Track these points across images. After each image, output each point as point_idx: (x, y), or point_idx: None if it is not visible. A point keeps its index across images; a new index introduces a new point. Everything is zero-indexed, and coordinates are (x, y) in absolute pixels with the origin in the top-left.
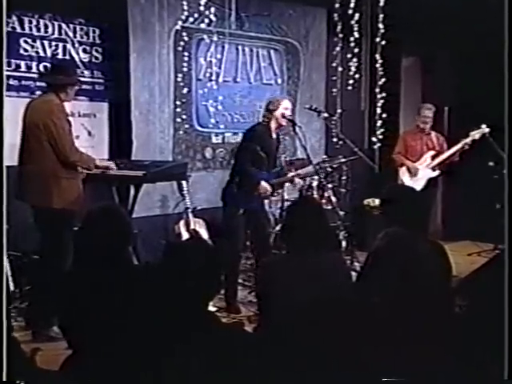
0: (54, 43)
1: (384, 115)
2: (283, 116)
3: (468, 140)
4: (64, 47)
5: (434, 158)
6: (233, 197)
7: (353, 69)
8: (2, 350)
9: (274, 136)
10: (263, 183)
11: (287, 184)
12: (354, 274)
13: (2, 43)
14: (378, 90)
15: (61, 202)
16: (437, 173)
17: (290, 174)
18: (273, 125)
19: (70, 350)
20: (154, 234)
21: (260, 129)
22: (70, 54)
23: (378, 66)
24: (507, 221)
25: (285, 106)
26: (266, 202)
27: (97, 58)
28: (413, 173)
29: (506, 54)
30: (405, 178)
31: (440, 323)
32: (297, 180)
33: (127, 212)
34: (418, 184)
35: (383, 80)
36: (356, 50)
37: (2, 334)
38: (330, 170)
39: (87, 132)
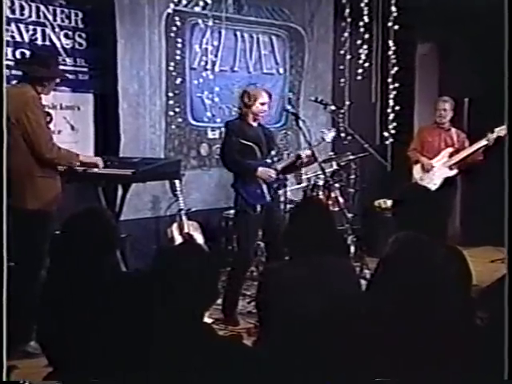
0: (31, 27)
1: (397, 108)
2: (259, 113)
3: (492, 137)
4: (43, 32)
5: (452, 155)
6: (243, 197)
7: (362, 57)
8: (2, 349)
9: (255, 124)
10: (261, 168)
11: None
12: (363, 282)
13: (2, 43)
14: (390, 79)
15: (36, 202)
16: (454, 172)
17: (293, 154)
18: (250, 117)
19: (50, 367)
20: (144, 238)
21: (236, 122)
22: (50, 40)
23: (390, 53)
24: (507, 221)
25: (261, 101)
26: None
27: (80, 45)
28: (427, 170)
29: (506, 53)
30: (418, 176)
31: (459, 338)
32: (304, 154)
33: (114, 214)
34: (432, 183)
35: (396, 69)
36: (366, 36)
37: (1, 333)
38: (337, 167)
39: (70, 126)
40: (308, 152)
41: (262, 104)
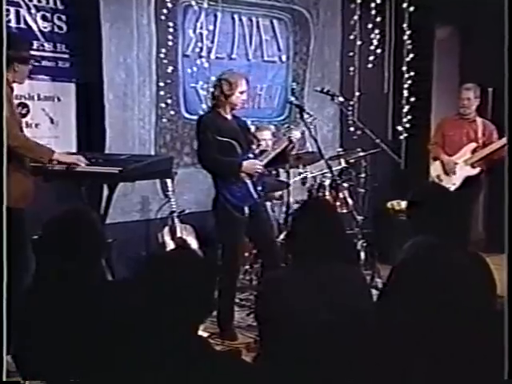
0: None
1: (412, 99)
2: (239, 103)
3: None
4: (17, 13)
5: (475, 151)
6: (226, 198)
7: (374, 42)
8: (2, 349)
9: (230, 117)
10: (246, 162)
11: (290, 181)
12: (374, 292)
13: (2, 42)
14: (404, 68)
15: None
16: (477, 171)
17: (279, 149)
18: (226, 109)
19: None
20: (132, 243)
21: (210, 116)
22: (26, 22)
23: (404, 38)
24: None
25: (241, 90)
26: (268, 204)
27: (60, 28)
28: (448, 169)
29: (506, 53)
30: (436, 174)
31: (482, 354)
32: (295, 138)
33: (99, 217)
34: (451, 183)
35: (411, 56)
36: (378, 19)
37: (1, 333)
38: (345, 165)
39: (49, 119)
40: (299, 134)
41: (241, 93)
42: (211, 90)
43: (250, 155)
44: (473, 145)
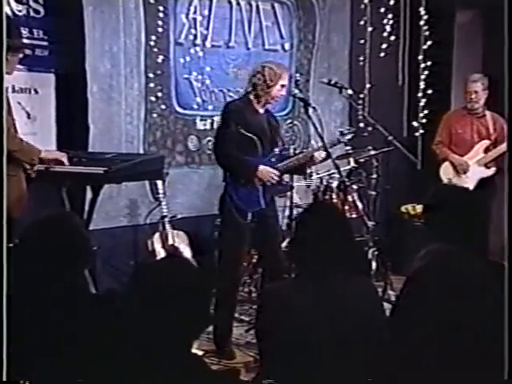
0: None
1: (429, 91)
2: (276, 97)
3: None
4: None
5: (487, 150)
6: (228, 199)
7: (387, 28)
8: (2, 349)
9: (262, 111)
10: (262, 167)
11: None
12: (387, 306)
13: (2, 41)
14: (421, 57)
15: None
16: (491, 171)
17: (306, 151)
18: (260, 102)
19: None
20: (118, 251)
21: (240, 106)
22: None
23: (421, 23)
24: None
25: (282, 83)
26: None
27: (36, 12)
28: (461, 171)
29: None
30: (447, 177)
31: (502, 371)
32: (317, 154)
33: (82, 223)
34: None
35: (429, 43)
36: (391, 2)
37: (1, 333)
38: (355, 165)
39: (26, 114)
40: (323, 154)
41: (283, 86)
42: (250, 75)
43: (271, 158)
44: (485, 142)
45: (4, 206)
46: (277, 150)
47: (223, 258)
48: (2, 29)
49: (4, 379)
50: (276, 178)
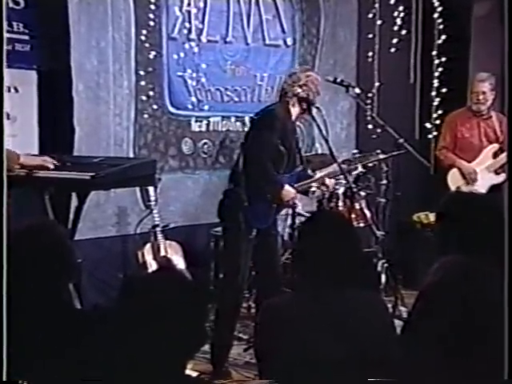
0: None
1: (444, 90)
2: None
3: None
4: None
5: (496, 154)
6: (240, 211)
7: (398, 21)
8: (2, 349)
9: (294, 119)
10: (287, 187)
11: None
12: (398, 323)
13: (2, 40)
14: (435, 52)
15: None
16: (502, 177)
17: (318, 175)
18: (295, 108)
19: None
20: (106, 264)
21: (280, 112)
22: None
23: (435, 16)
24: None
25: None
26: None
27: (16, 3)
28: (468, 178)
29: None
30: (455, 186)
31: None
32: (328, 181)
33: (66, 233)
34: None
35: (443, 37)
36: None
37: (1, 334)
38: (362, 170)
39: (5, 114)
40: (333, 183)
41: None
42: (289, 83)
43: (296, 171)
44: (494, 146)
45: (4, 206)
46: (298, 170)
47: (226, 272)
48: (1, 29)
49: (4, 379)
50: (296, 200)
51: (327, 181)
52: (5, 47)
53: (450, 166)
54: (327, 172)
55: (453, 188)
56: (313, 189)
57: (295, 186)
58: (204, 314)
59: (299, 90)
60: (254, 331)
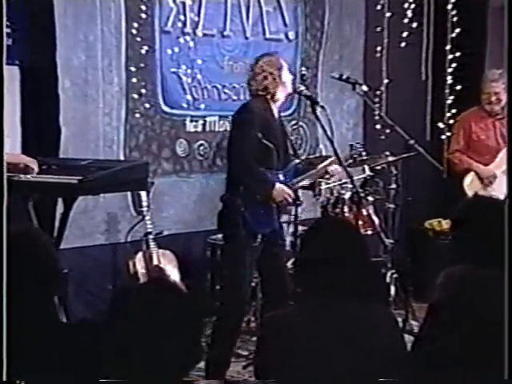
0: None
1: (458, 87)
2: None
3: None
4: None
5: None
6: (238, 216)
7: (408, 13)
8: (2, 350)
9: (277, 115)
10: (278, 185)
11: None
12: (408, 338)
13: (2, 40)
14: (448, 46)
15: None
16: None
17: (320, 166)
18: (277, 97)
19: None
20: (94, 274)
21: (258, 105)
22: None
23: (449, 7)
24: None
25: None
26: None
27: None
28: (486, 183)
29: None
30: (472, 191)
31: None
32: (332, 168)
33: (51, 241)
34: None
35: (458, 31)
36: None
37: (1, 334)
38: (370, 173)
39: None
40: (338, 168)
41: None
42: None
43: (289, 167)
44: None
45: (4, 206)
46: (291, 165)
47: (227, 284)
48: (1, 29)
49: (4, 379)
50: (291, 199)
51: (330, 168)
52: (5, 47)
53: (465, 171)
54: (328, 162)
55: (470, 193)
56: (319, 181)
57: (292, 182)
58: (199, 329)
59: (254, 84)
60: (255, 347)
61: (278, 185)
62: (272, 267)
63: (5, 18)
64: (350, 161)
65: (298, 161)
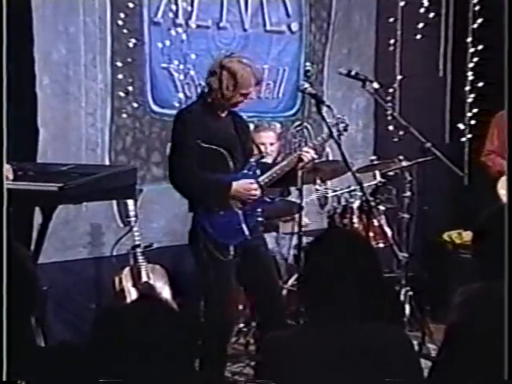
0: None
1: (480, 84)
2: (245, 100)
3: None
4: None
5: None
6: (206, 232)
7: (424, 2)
8: (2, 350)
9: (224, 115)
10: (237, 183)
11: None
12: (425, 363)
13: (1, 44)
14: (469, 39)
15: None
16: None
17: (290, 157)
18: (222, 104)
19: None
20: (76, 292)
21: (195, 109)
22: None
23: None
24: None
25: (245, 92)
26: (273, 235)
27: None
28: None
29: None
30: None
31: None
32: (308, 154)
33: (29, 255)
34: None
35: (479, 21)
36: None
37: (1, 334)
38: (382, 180)
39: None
40: (312, 152)
41: (244, 95)
42: (207, 70)
43: (247, 171)
44: None
45: (4, 205)
46: (252, 160)
47: (210, 305)
48: (1, 29)
49: (4, 379)
50: (257, 192)
51: (303, 153)
52: (5, 47)
53: (499, 173)
54: (293, 156)
55: (504, 198)
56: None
57: (259, 179)
58: (192, 351)
59: (210, 79)
60: (254, 372)
61: (235, 183)
62: (258, 283)
63: (5, 18)
64: (336, 133)
65: (256, 157)
